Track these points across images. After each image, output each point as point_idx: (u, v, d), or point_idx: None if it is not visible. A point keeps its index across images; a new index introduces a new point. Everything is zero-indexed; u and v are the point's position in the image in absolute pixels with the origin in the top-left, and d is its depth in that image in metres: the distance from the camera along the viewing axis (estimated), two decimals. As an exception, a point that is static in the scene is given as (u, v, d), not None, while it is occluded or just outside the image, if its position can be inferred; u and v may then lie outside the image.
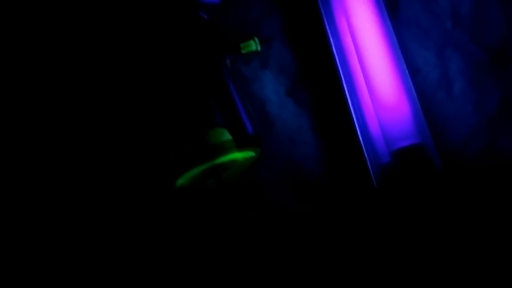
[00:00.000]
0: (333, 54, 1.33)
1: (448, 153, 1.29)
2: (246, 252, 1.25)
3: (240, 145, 1.15)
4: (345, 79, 1.30)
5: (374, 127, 1.24)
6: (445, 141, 1.31)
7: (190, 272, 1.26)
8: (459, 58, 1.37)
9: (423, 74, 1.36)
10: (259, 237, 1.26)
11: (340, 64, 1.31)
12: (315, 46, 1.38)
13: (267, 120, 1.34)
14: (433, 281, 1.21)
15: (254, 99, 1.35)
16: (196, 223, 1.28)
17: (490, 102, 1.34)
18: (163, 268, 1.26)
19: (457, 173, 1.28)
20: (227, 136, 1.15)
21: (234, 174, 1.28)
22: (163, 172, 1.28)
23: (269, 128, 1.34)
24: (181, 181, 1.20)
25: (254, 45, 1.30)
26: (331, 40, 1.32)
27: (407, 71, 1.31)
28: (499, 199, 1.25)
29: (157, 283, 1.25)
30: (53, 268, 1.28)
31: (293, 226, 1.27)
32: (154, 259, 1.26)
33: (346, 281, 1.22)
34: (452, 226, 1.24)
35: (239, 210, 1.29)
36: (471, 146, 1.31)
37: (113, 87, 1.34)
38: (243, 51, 1.30)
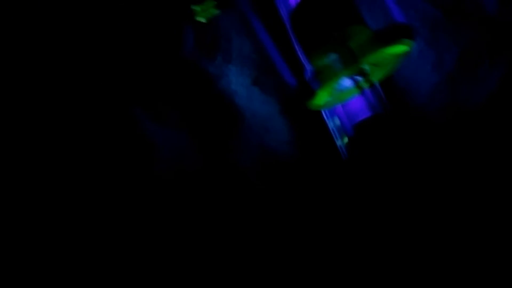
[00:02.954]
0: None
1: (413, 115, 1.35)
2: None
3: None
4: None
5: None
6: (409, 103, 1.37)
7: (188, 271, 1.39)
8: (413, 17, 1.40)
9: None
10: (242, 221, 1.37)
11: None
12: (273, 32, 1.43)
13: (238, 112, 1.42)
14: (405, 252, 1.31)
15: (224, 95, 1.43)
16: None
17: (448, 59, 1.38)
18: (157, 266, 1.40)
19: (424, 132, 1.35)
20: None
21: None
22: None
23: (240, 120, 1.42)
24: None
25: None
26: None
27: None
28: (464, 152, 1.32)
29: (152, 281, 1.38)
30: (53, 268, 1.37)
31: (270, 207, 1.37)
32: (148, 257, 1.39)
33: (325, 257, 1.34)
34: (422, 186, 1.33)
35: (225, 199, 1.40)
36: (434, 104, 1.36)
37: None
38: None
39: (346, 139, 1.27)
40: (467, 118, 1.34)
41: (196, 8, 1.22)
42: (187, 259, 1.37)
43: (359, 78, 1.10)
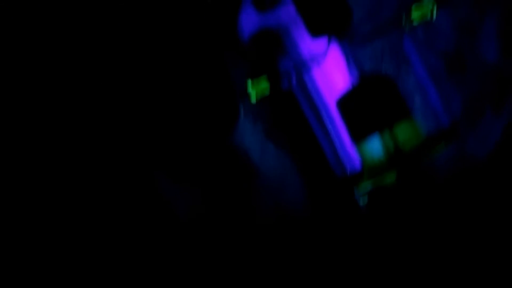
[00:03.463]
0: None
1: (424, 169, 1.40)
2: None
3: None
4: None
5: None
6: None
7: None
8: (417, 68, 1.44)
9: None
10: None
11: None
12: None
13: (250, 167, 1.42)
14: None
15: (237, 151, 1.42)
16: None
17: (453, 108, 1.42)
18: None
19: (427, 184, 1.39)
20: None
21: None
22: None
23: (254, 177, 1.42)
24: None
25: None
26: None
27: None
28: (470, 206, 1.38)
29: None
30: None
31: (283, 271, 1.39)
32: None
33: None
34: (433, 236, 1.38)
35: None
36: (440, 158, 1.41)
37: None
38: None
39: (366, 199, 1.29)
40: (474, 169, 1.39)
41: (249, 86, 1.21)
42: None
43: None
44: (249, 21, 1.21)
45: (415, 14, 1.18)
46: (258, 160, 1.42)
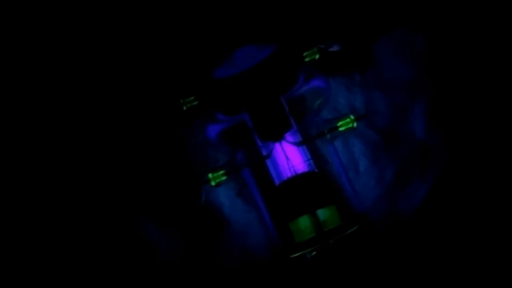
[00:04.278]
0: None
1: (360, 220, 1.73)
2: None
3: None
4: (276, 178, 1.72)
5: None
6: (357, 210, 1.74)
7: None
8: (360, 142, 1.79)
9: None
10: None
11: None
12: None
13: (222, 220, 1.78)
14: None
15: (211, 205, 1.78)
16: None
17: (388, 175, 1.76)
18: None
19: (366, 236, 1.72)
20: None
21: None
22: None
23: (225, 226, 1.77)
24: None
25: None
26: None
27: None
28: (402, 254, 1.70)
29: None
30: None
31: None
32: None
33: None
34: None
35: None
36: (377, 212, 1.74)
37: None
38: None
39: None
40: (403, 224, 1.72)
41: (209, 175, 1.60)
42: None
43: None
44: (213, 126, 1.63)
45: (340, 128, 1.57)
46: (229, 212, 1.78)
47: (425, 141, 1.76)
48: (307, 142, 1.59)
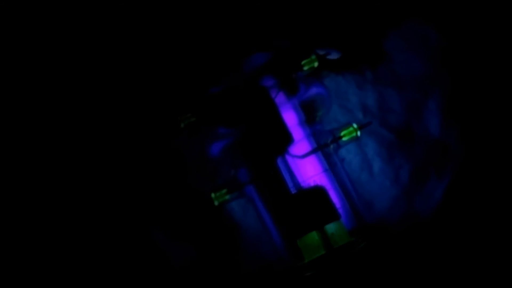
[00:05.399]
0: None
1: (376, 224, 1.67)
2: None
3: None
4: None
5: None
6: (373, 214, 1.69)
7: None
8: (373, 142, 1.73)
9: (348, 161, 1.73)
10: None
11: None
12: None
13: (234, 225, 1.73)
14: None
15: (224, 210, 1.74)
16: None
17: (404, 175, 1.70)
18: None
19: (384, 240, 1.67)
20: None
21: None
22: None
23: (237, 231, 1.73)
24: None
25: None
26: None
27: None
28: (420, 257, 1.65)
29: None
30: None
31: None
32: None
33: None
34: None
35: None
36: (393, 214, 1.69)
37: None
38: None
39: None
40: (421, 225, 1.67)
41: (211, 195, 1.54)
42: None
43: None
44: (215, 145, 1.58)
45: (344, 138, 1.51)
46: (240, 218, 1.73)
47: (441, 139, 1.69)
48: (308, 155, 1.53)
